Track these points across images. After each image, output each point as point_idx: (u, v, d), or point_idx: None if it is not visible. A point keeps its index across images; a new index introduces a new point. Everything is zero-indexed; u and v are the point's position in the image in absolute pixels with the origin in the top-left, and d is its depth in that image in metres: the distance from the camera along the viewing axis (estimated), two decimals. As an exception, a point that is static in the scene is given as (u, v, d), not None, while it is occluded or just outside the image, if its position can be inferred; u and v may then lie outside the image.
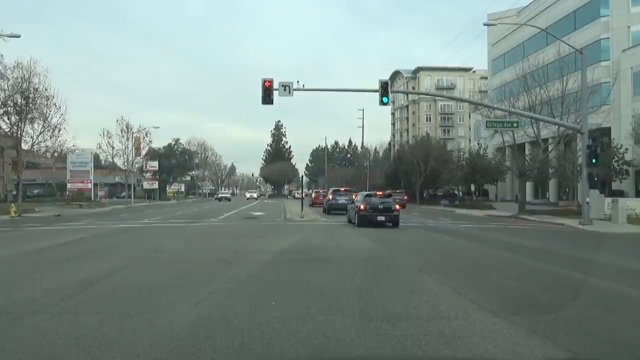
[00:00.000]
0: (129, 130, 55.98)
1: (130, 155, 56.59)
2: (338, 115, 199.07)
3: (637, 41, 41.35)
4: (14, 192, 47.46)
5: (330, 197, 35.95)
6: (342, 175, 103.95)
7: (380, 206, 22.19)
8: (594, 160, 25.31)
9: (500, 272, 10.21)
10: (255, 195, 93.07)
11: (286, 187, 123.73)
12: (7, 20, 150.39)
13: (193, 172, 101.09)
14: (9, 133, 35.34)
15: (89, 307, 6.84)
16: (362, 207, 22.04)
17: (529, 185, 46.96)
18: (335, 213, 32.38)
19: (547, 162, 38.39)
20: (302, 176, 69.61)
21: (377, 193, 24.46)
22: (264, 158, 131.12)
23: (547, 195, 51.29)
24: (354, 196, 28.26)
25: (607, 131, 40.57)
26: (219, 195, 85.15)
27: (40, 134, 35.25)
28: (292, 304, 6.94)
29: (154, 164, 74.39)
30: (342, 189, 39.99)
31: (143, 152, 62.21)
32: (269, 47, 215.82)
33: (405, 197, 49.39)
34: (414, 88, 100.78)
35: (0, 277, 9.79)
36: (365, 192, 26.51)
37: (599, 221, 25.59)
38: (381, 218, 21.99)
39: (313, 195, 56.33)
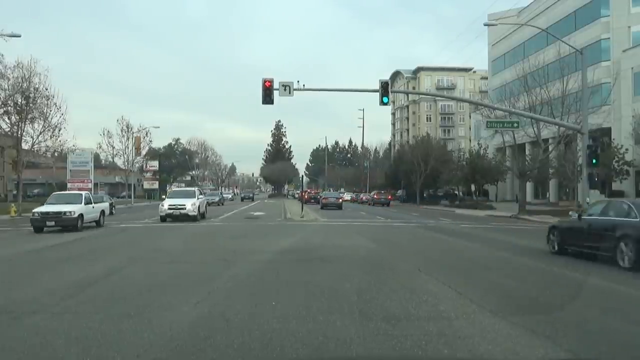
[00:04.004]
0: (129, 130, 56.10)
1: (131, 155, 56.69)
2: (338, 115, 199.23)
3: (638, 41, 41.30)
4: (14, 192, 47.49)
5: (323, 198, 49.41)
6: (342, 175, 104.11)
7: None
8: (594, 161, 25.30)
9: (500, 272, 10.20)
10: (189, 205, 26.25)
11: (286, 186, 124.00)
12: (7, 20, 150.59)
13: (193, 172, 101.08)
14: (9, 133, 35.38)
15: (88, 307, 6.83)
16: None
17: (529, 186, 46.95)
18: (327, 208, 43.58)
19: (548, 162, 38.37)
20: (302, 176, 69.54)
21: None
22: (264, 158, 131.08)
23: (547, 196, 51.26)
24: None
25: (607, 131, 40.55)
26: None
27: (40, 133, 35.30)
28: (292, 303, 6.94)
29: (154, 164, 74.43)
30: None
31: (143, 152, 62.29)
32: (269, 47, 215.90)
33: (389, 197, 56.93)
34: (414, 88, 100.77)
35: (0, 277, 9.79)
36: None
37: (599, 221, 25.53)
38: None
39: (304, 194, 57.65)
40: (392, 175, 68.03)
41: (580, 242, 12.78)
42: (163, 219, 25.85)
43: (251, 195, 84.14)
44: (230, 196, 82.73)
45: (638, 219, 11.13)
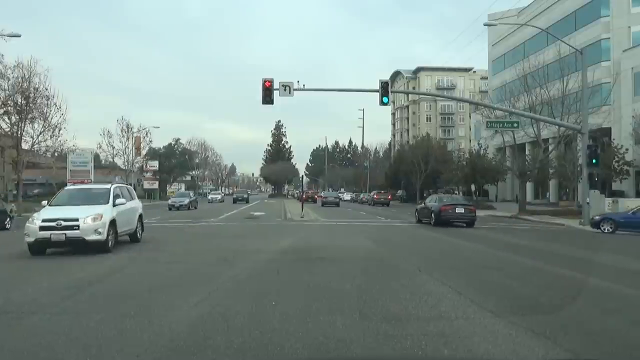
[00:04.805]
0: (129, 130, 56.26)
1: (131, 155, 56.77)
2: (338, 115, 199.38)
3: (638, 41, 41.30)
4: (14, 192, 47.44)
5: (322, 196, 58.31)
6: (343, 175, 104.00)
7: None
8: (594, 161, 25.33)
9: (500, 272, 10.20)
10: (88, 219, 12.72)
11: (286, 186, 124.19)
12: (8, 20, 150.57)
13: (193, 172, 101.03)
14: (9, 133, 35.38)
15: (88, 307, 6.83)
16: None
17: (529, 186, 46.93)
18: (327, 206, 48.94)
19: (548, 162, 38.38)
20: (302, 176, 69.51)
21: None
22: (264, 158, 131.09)
23: (547, 196, 51.27)
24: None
25: (607, 131, 40.54)
26: None
27: (40, 133, 35.38)
28: (292, 303, 6.93)
29: (154, 164, 74.45)
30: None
31: (143, 152, 62.47)
32: (269, 47, 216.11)
33: (389, 197, 57.56)
34: (414, 88, 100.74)
35: (0, 277, 9.78)
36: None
37: (599, 221, 25.55)
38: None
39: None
40: (392, 175, 68.00)
41: (424, 216, 25.57)
42: (34, 249, 12.75)
43: (245, 196, 65.79)
44: (219, 197, 69.41)
45: (437, 203, 24.77)
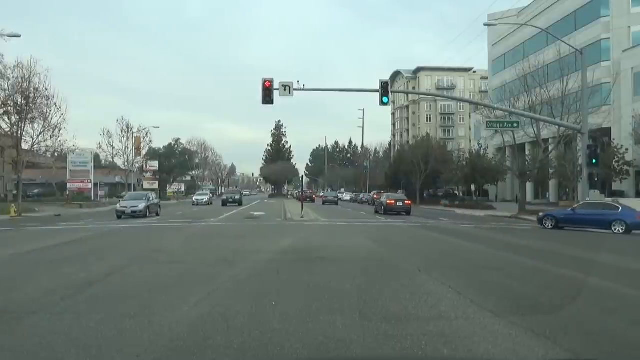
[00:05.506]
0: (129, 130, 56.26)
1: (131, 155, 56.77)
2: (338, 115, 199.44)
3: (638, 41, 41.32)
4: (14, 192, 47.47)
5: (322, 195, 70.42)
6: (343, 176, 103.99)
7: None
8: (594, 161, 25.37)
9: (500, 272, 10.19)
10: None
11: (286, 187, 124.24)
12: (8, 20, 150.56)
13: (193, 172, 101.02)
14: (9, 133, 35.36)
15: (88, 307, 6.82)
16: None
17: (529, 186, 46.95)
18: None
19: (548, 162, 38.39)
20: (302, 176, 69.66)
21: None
22: (264, 158, 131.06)
23: (547, 196, 51.28)
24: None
25: (607, 131, 40.57)
26: None
27: (40, 133, 35.35)
28: (292, 303, 6.93)
29: (154, 164, 74.44)
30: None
31: (143, 152, 62.45)
32: (269, 47, 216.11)
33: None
34: (414, 88, 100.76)
35: (0, 277, 9.78)
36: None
37: (599, 221, 25.54)
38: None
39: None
40: (392, 176, 67.94)
41: (379, 208, 36.83)
42: None
43: (237, 197, 53.40)
44: (205, 199, 57.44)
45: (385, 199, 36.72)
